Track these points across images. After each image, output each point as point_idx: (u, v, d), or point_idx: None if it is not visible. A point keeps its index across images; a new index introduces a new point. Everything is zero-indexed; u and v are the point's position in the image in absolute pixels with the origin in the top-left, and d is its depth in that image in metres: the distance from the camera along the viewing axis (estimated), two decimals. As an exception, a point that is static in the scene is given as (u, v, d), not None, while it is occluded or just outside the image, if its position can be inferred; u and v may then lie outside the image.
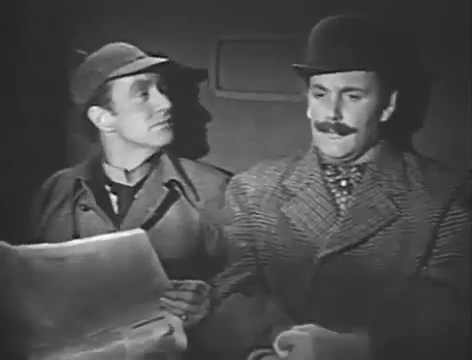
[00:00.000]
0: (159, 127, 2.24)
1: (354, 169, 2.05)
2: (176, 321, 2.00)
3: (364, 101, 1.99)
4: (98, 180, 2.29)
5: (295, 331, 1.83)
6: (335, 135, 2.00)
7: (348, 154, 2.02)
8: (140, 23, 2.41)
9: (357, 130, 2.00)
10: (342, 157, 2.03)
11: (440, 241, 1.98)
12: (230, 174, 2.26)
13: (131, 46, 2.27)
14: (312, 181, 2.05)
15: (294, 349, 1.82)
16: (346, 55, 1.97)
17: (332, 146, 2.01)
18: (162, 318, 2.00)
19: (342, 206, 2.02)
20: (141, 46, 2.35)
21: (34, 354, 1.97)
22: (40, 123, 2.45)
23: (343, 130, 1.99)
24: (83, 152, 2.38)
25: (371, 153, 2.06)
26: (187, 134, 2.40)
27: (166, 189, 2.24)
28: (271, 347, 1.86)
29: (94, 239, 1.88)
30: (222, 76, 2.39)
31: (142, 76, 2.22)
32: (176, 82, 2.38)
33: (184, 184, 2.25)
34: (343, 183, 2.05)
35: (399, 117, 2.13)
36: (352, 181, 2.04)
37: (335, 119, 1.99)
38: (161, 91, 2.24)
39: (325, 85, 1.99)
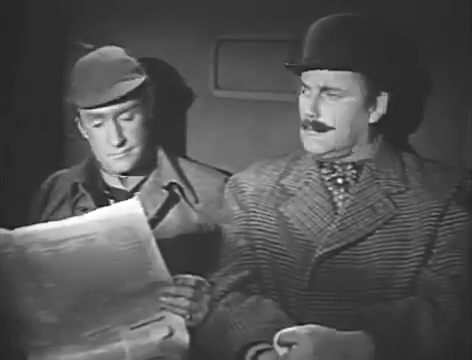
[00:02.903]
0: (113, 157, 2.21)
1: (350, 167, 2.05)
2: (177, 321, 2.00)
3: (344, 101, 1.98)
4: (96, 183, 2.29)
5: (295, 329, 1.83)
6: (314, 132, 2.01)
7: (329, 152, 2.02)
8: (139, 23, 2.42)
9: (334, 129, 2.00)
10: (323, 154, 2.03)
11: (439, 241, 1.97)
12: (229, 174, 2.26)
13: (123, 58, 2.22)
14: (310, 180, 2.05)
15: (293, 347, 1.81)
16: (328, 54, 1.97)
17: (312, 143, 2.02)
18: (162, 319, 1.99)
19: (339, 204, 2.02)
20: (140, 46, 2.36)
21: (33, 353, 1.96)
22: (40, 123, 2.45)
23: (320, 128, 2.00)
24: (82, 152, 2.37)
25: (368, 151, 2.05)
26: (186, 134, 2.41)
27: (166, 192, 2.23)
28: (270, 343, 1.85)
29: (91, 218, 1.87)
30: (221, 76, 2.39)
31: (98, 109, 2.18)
32: (175, 82, 2.38)
33: (184, 186, 2.25)
34: (339, 181, 2.04)
35: (398, 117, 2.13)
36: (348, 179, 2.04)
37: (312, 116, 2.00)
38: (118, 124, 2.18)
39: (307, 83, 2.01)
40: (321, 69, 1.98)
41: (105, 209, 1.90)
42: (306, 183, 2.05)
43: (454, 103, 2.23)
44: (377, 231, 1.97)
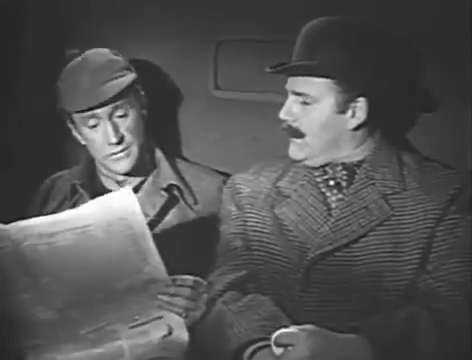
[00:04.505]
0: (113, 157, 2.20)
1: (340, 168, 2.03)
2: (176, 320, 2.00)
3: (315, 107, 1.98)
4: (95, 184, 2.30)
5: (292, 329, 1.82)
6: (292, 138, 2.01)
7: (307, 158, 2.02)
8: (139, 23, 2.42)
9: (307, 135, 1.99)
10: (300, 160, 2.03)
11: (439, 246, 1.95)
12: (228, 176, 2.26)
13: (110, 58, 2.21)
14: (305, 182, 2.04)
15: (289, 348, 1.80)
16: (299, 59, 1.98)
17: (291, 148, 2.04)
18: (160, 318, 2.00)
19: (334, 206, 2.01)
20: (141, 47, 2.36)
21: (31, 352, 1.97)
22: (40, 123, 2.46)
23: (294, 133, 2.00)
24: (82, 152, 2.37)
25: (361, 153, 2.03)
26: (185, 134, 2.41)
27: (165, 194, 2.23)
28: (268, 340, 1.84)
29: (86, 210, 1.88)
30: (220, 76, 2.39)
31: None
32: (175, 82, 2.38)
33: (183, 188, 2.25)
34: (331, 182, 2.03)
35: (398, 117, 2.13)
36: (339, 180, 2.03)
37: (285, 121, 2.01)
38: (114, 122, 2.17)
39: (286, 87, 2.02)
40: (291, 75, 1.99)
41: (99, 199, 1.90)
42: (301, 185, 2.04)
43: (454, 103, 2.22)
44: (371, 233, 1.96)
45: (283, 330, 1.82)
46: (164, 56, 2.40)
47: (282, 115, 2.01)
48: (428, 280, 1.94)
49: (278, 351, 1.82)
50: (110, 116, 2.17)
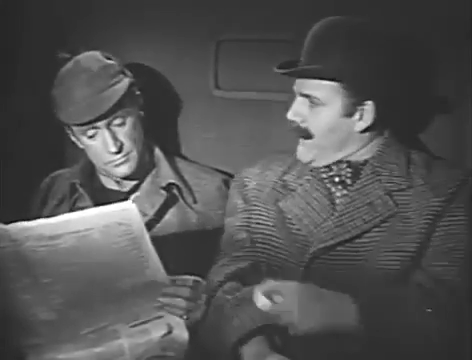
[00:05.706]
0: (113, 164, 2.19)
1: (344, 165, 2.03)
2: (176, 319, 2.00)
3: (322, 110, 1.97)
4: (94, 183, 2.30)
5: (280, 282, 1.82)
6: (300, 138, 2.01)
7: (315, 160, 2.02)
8: (139, 22, 2.42)
9: (316, 136, 1.99)
10: (308, 162, 2.03)
11: (435, 242, 1.94)
12: (228, 175, 2.26)
13: (103, 64, 2.17)
14: (311, 177, 2.04)
15: (277, 299, 1.80)
16: (308, 61, 1.96)
17: (300, 149, 2.04)
18: (161, 317, 2.00)
19: (338, 201, 2.01)
20: (141, 46, 2.35)
21: (31, 351, 1.96)
22: (40, 123, 2.46)
23: (303, 134, 2.00)
24: (82, 152, 2.37)
25: (368, 152, 2.03)
26: (185, 134, 2.41)
27: (165, 193, 2.23)
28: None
29: (87, 214, 1.88)
30: (221, 76, 2.39)
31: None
32: (175, 82, 2.38)
33: (182, 187, 2.24)
34: (336, 179, 2.03)
35: (402, 116, 2.13)
36: (344, 178, 2.03)
37: (293, 122, 2.00)
38: (113, 130, 2.16)
39: (294, 88, 2.01)
40: (299, 77, 1.99)
41: (100, 207, 1.90)
42: (307, 180, 2.05)
43: (454, 103, 2.22)
44: (374, 229, 1.96)
45: (272, 281, 1.82)
46: (164, 56, 2.41)
47: (290, 116, 2.00)
48: (419, 275, 1.93)
49: (263, 302, 1.80)
50: (108, 125, 2.16)
